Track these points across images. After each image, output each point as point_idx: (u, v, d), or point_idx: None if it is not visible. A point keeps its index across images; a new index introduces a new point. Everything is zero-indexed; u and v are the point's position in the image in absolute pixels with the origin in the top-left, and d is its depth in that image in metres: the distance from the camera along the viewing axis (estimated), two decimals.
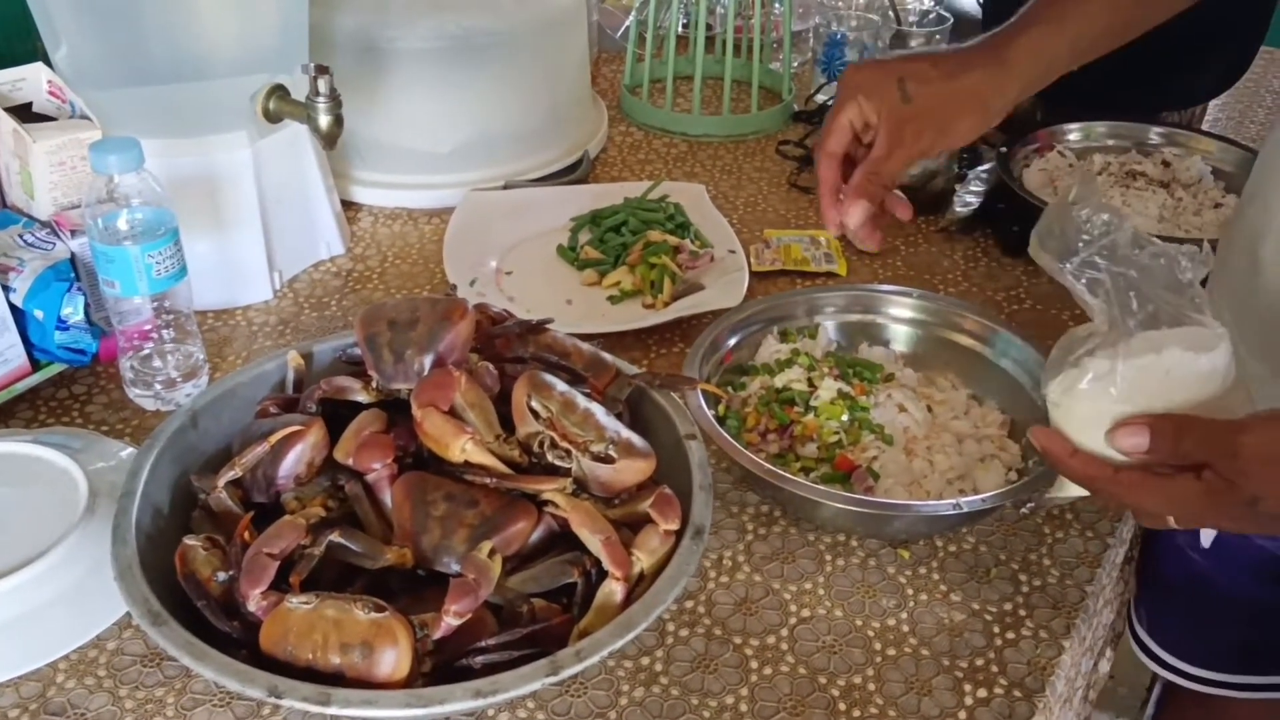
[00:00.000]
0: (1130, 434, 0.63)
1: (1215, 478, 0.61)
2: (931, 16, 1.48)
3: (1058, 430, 0.68)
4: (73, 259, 0.88)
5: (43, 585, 0.71)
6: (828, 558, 0.79)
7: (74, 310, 0.87)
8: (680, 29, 1.53)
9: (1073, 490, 0.70)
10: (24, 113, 0.93)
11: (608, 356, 0.80)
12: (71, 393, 0.91)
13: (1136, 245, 0.66)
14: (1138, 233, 0.66)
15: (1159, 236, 0.68)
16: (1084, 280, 0.66)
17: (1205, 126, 1.46)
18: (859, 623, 0.74)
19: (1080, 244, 0.66)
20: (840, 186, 0.84)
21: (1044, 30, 0.84)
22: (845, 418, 0.85)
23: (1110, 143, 1.23)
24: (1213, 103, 1.49)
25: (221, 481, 0.70)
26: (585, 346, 0.80)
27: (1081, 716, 0.94)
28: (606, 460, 0.69)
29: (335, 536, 0.65)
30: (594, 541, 0.66)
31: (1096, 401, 0.65)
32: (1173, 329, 0.64)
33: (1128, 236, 0.66)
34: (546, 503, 0.69)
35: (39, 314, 0.86)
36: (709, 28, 1.44)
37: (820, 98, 1.46)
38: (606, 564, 0.65)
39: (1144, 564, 1.03)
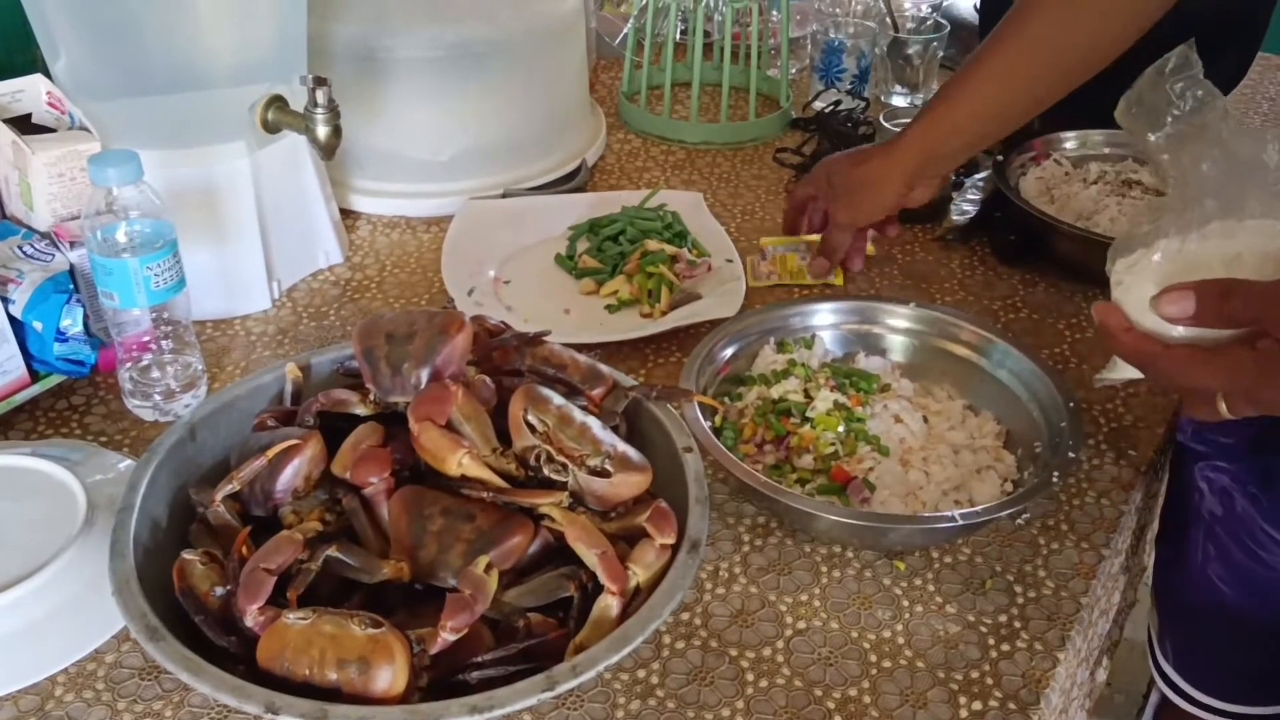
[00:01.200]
0: (1175, 299, 0.61)
1: (1268, 343, 0.59)
2: (929, 23, 1.49)
3: (1118, 306, 0.66)
4: (72, 270, 0.88)
5: (41, 599, 0.71)
6: (824, 569, 0.79)
7: (73, 322, 0.87)
8: (678, 36, 1.53)
9: (1126, 371, 0.67)
10: (23, 124, 0.93)
11: (605, 368, 0.80)
12: (70, 404, 0.91)
13: (1226, 125, 0.64)
14: (1229, 112, 0.64)
15: None
16: (1166, 156, 0.64)
17: None
18: (855, 635, 0.74)
19: (1170, 117, 0.64)
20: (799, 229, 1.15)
21: (933, 117, 1.00)
22: (841, 429, 0.85)
23: (1107, 151, 1.23)
24: None
25: (219, 495, 0.70)
26: (582, 358, 0.81)
27: None
28: (603, 474, 0.70)
29: (332, 551, 0.66)
30: (590, 556, 0.66)
31: (1159, 280, 0.63)
32: (1250, 221, 0.62)
33: (1219, 114, 0.64)
34: (543, 516, 0.70)
35: (38, 325, 0.86)
36: (707, 34, 1.45)
37: (818, 104, 1.46)
38: (602, 578, 0.65)
39: (1166, 596, 1.03)
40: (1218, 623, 1.00)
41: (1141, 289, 0.64)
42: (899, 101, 1.47)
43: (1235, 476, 0.96)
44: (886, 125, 1.24)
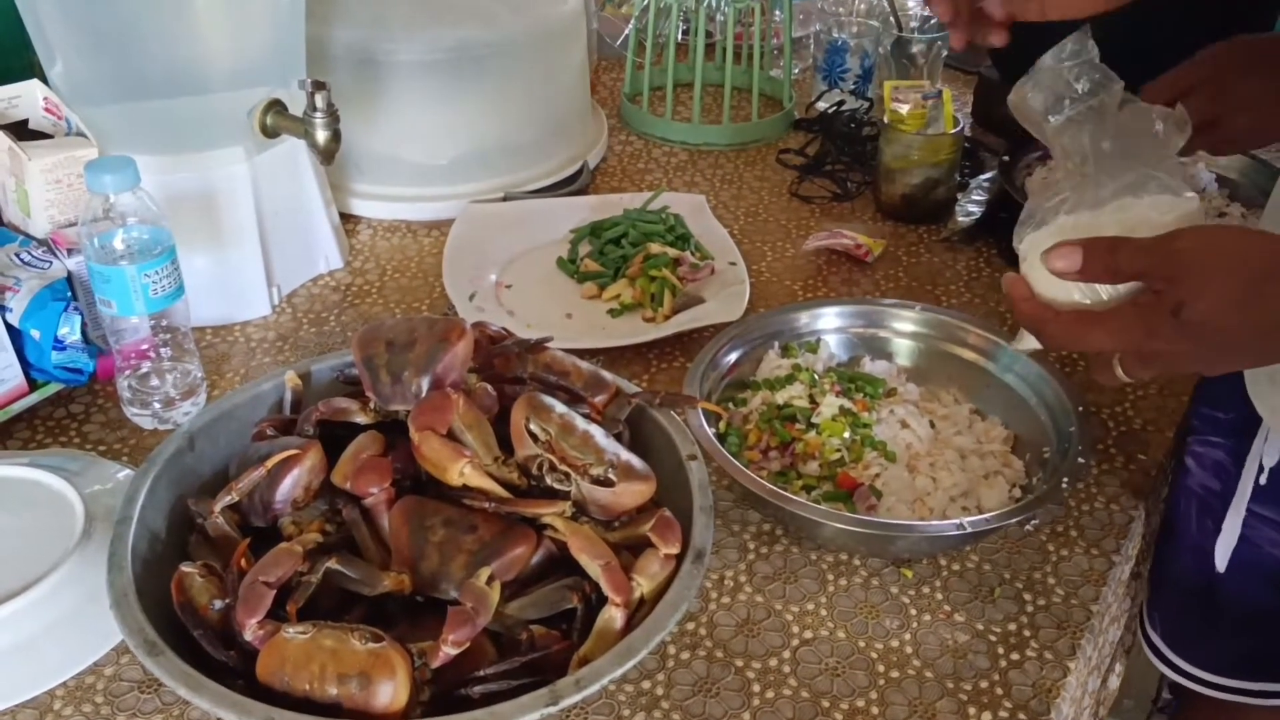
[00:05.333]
0: (1064, 254, 0.63)
1: (1149, 296, 0.61)
2: (933, 22, 1.47)
3: (1023, 278, 0.68)
4: (69, 278, 0.88)
5: (39, 611, 0.70)
6: (830, 577, 0.78)
7: (70, 330, 0.86)
8: (680, 36, 1.52)
9: (1031, 342, 0.70)
10: (20, 130, 0.92)
11: (607, 375, 0.79)
12: (69, 412, 0.91)
13: (1127, 107, 0.66)
14: (1127, 95, 0.66)
15: None
16: (1065, 139, 0.66)
17: None
18: (862, 644, 0.73)
19: (1067, 102, 0.66)
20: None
21: None
22: (847, 435, 0.84)
23: None
24: None
25: (218, 506, 0.69)
26: (585, 365, 0.80)
27: None
28: (606, 483, 0.69)
29: (333, 564, 0.65)
30: (594, 567, 0.65)
31: None
32: (1146, 196, 0.64)
33: (1115, 98, 0.66)
34: (546, 527, 0.69)
35: (35, 334, 0.85)
36: (709, 35, 1.44)
37: (821, 105, 1.45)
38: (606, 590, 0.64)
39: (1157, 567, 1.02)
40: (1206, 597, 0.99)
41: (1042, 265, 0.66)
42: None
43: (1231, 452, 0.95)
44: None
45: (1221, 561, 0.95)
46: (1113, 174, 0.65)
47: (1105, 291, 0.65)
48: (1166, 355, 0.63)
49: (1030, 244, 0.67)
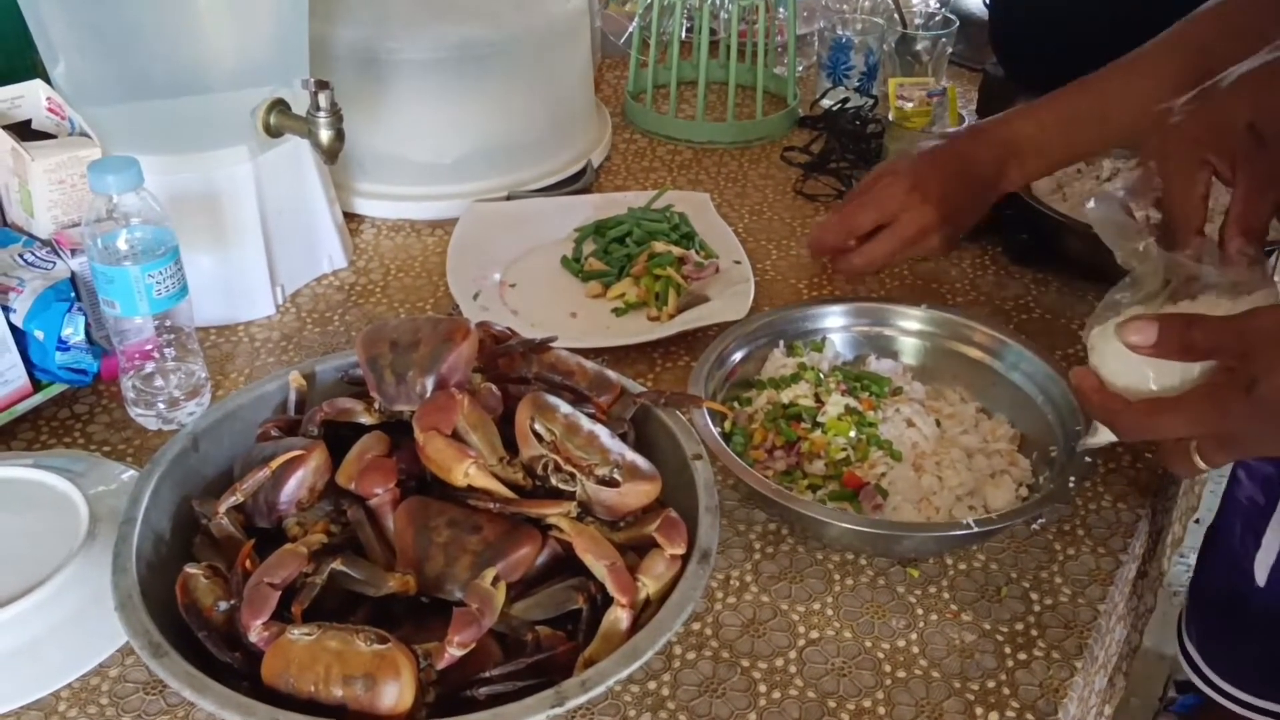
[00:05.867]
0: (1140, 328, 0.62)
1: (1221, 372, 0.60)
2: (938, 19, 1.47)
3: (1093, 371, 0.67)
4: (73, 278, 0.87)
5: (44, 613, 0.70)
6: (836, 576, 0.78)
7: (74, 330, 0.86)
8: (684, 34, 1.52)
9: (1106, 435, 0.69)
10: (23, 130, 0.92)
11: (612, 374, 0.79)
12: (73, 412, 0.91)
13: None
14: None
15: None
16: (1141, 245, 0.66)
17: None
18: (868, 644, 0.73)
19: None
20: None
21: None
22: (853, 434, 0.84)
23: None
24: None
25: (223, 508, 0.69)
26: (589, 365, 0.79)
27: None
28: (611, 483, 0.69)
29: (337, 565, 0.65)
30: (599, 568, 0.65)
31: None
32: (1234, 299, 0.64)
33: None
34: (551, 527, 0.68)
35: (39, 334, 0.85)
36: (713, 33, 1.43)
37: (826, 102, 1.45)
38: (612, 590, 0.64)
39: (1197, 576, 1.02)
40: (1241, 611, 0.98)
41: (1112, 352, 0.65)
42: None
43: None
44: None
45: (1261, 576, 0.94)
46: (1181, 279, 0.65)
47: (1178, 375, 0.63)
48: (1242, 437, 0.61)
49: (1100, 334, 0.67)
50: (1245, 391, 0.58)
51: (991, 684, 0.71)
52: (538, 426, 0.70)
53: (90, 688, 0.69)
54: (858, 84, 1.45)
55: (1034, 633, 0.74)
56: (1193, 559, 1.13)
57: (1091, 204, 0.70)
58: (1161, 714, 1.26)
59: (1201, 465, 0.63)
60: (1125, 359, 0.64)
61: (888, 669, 0.72)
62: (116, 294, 0.83)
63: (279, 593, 0.62)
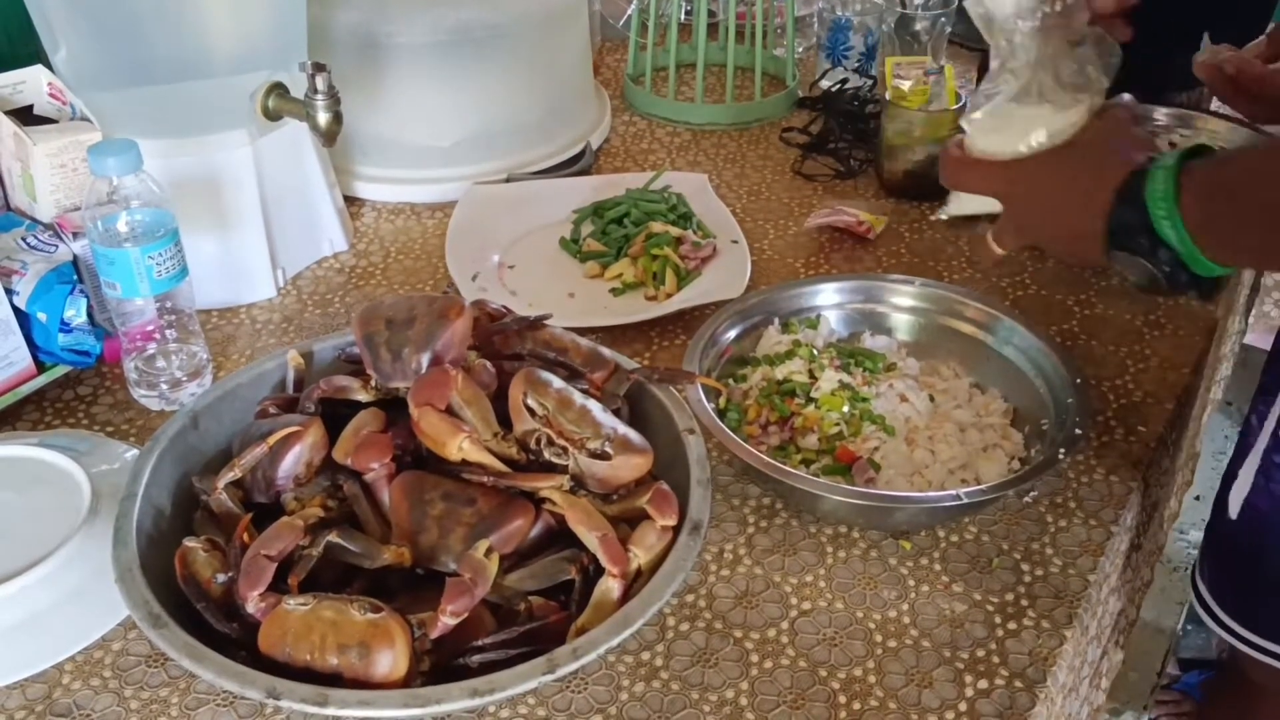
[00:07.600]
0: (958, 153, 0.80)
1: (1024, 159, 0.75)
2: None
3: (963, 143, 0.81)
4: (75, 261, 0.88)
5: (47, 587, 0.71)
6: (829, 550, 0.79)
7: (77, 313, 0.87)
8: (683, 16, 1.52)
9: (954, 207, 0.89)
10: (25, 115, 0.93)
11: (606, 351, 0.80)
12: (77, 394, 0.92)
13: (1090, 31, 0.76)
14: (1094, 29, 0.76)
15: None
16: (1025, 38, 0.75)
17: (1214, 107, 1.44)
18: (860, 615, 0.74)
19: (1042, 13, 0.74)
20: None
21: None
22: (846, 409, 0.84)
23: None
24: None
25: (221, 483, 0.70)
26: (584, 342, 0.80)
27: (1091, 704, 0.94)
28: (603, 457, 0.69)
29: (333, 537, 0.66)
30: (591, 539, 0.66)
31: (984, 129, 0.78)
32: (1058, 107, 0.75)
33: (1084, 15, 0.75)
34: (544, 500, 0.69)
35: (42, 316, 0.86)
36: (711, 14, 1.44)
37: (825, 83, 1.45)
38: (603, 561, 0.65)
39: (1211, 519, 1.05)
40: (1257, 554, 1.00)
41: (973, 135, 0.79)
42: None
43: None
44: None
45: (1234, 508, 0.97)
46: (1042, 80, 0.75)
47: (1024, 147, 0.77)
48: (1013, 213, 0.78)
49: (966, 121, 0.80)
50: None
51: (981, 653, 0.72)
52: (531, 401, 0.71)
53: (93, 660, 0.70)
54: (857, 65, 1.45)
55: (1024, 603, 0.75)
56: (1192, 535, 1.13)
57: None
58: (1159, 689, 1.27)
59: (996, 249, 0.80)
60: (980, 140, 0.79)
61: (879, 639, 0.72)
62: (117, 275, 0.84)
63: (275, 564, 0.63)
